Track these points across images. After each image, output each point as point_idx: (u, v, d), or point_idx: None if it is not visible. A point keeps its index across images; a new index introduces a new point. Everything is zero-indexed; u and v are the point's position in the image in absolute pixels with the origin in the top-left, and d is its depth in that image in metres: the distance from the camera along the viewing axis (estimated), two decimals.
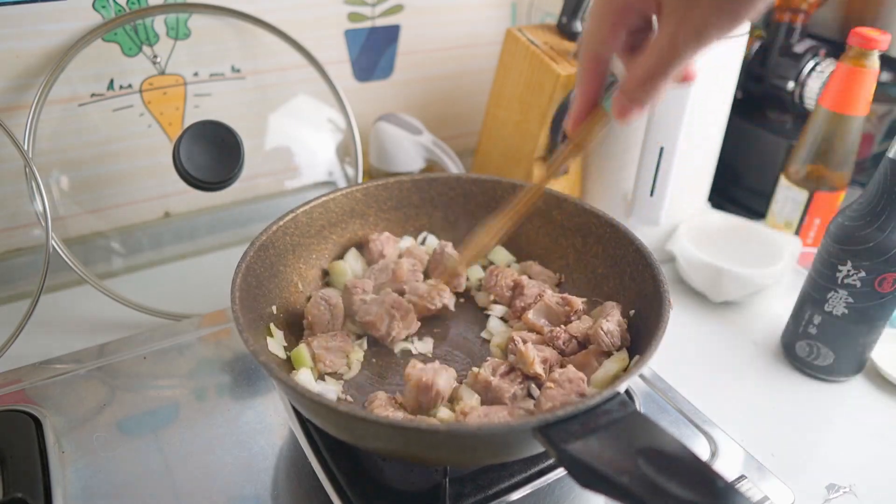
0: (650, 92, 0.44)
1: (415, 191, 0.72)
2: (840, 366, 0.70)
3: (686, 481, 0.36)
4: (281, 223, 0.63)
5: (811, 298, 0.69)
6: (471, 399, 0.55)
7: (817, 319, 0.69)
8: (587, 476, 0.38)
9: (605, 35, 0.46)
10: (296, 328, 0.63)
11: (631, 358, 0.56)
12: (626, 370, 0.55)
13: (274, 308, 0.61)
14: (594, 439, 0.40)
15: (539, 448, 0.44)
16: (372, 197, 0.71)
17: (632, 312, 0.60)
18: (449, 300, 0.66)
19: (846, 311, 0.66)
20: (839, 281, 0.65)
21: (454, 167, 0.90)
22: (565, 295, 0.63)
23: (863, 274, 0.64)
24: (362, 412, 0.44)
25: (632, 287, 0.60)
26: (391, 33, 0.94)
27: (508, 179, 0.71)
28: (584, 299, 0.64)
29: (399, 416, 0.53)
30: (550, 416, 0.41)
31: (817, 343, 0.70)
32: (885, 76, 0.87)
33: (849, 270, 0.64)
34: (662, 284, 0.55)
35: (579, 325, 0.61)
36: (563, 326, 0.61)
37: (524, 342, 0.58)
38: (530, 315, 0.62)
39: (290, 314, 0.63)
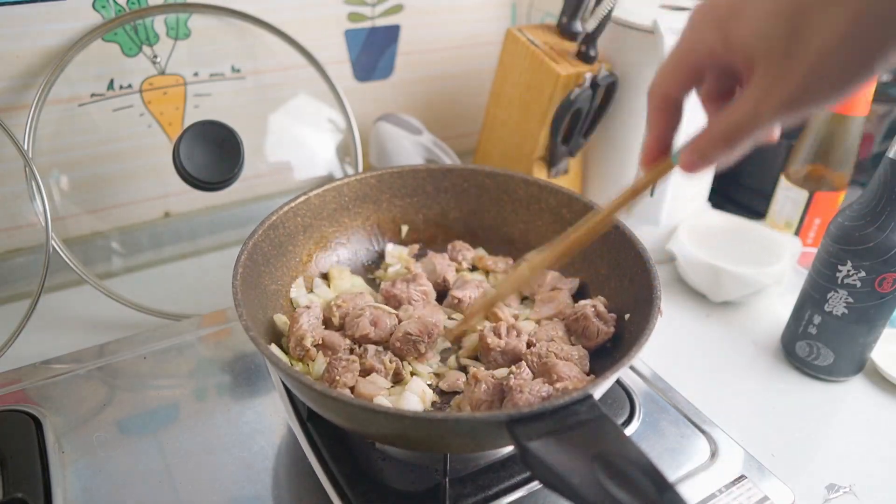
0: (724, 154, 0.39)
1: (429, 180, 0.72)
2: (840, 366, 0.70)
3: (632, 489, 0.37)
4: (293, 204, 0.64)
5: (811, 298, 0.69)
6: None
7: (817, 319, 0.69)
8: (544, 474, 0.39)
9: (677, 79, 0.41)
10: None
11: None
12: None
13: (279, 285, 0.62)
14: (556, 439, 0.40)
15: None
16: (386, 183, 0.71)
17: (627, 316, 0.59)
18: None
19: (846, 311, 0.66)
20: (839, 281, 0.65)
21: None
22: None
23: (863, 274, 0.64)
24: (334, 391, 0.45)
25: (630, 290, 0.60)
26: (391, 33, 0.94)
27: (521, 174, 0.71)
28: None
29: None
30: (517, 413, 0.42)
31: (817, 343, 0.70)
32: (885, 76, 0.87)
33: (849, 270, 0.64)
34: (656, 290, 0.54)
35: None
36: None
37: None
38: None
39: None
